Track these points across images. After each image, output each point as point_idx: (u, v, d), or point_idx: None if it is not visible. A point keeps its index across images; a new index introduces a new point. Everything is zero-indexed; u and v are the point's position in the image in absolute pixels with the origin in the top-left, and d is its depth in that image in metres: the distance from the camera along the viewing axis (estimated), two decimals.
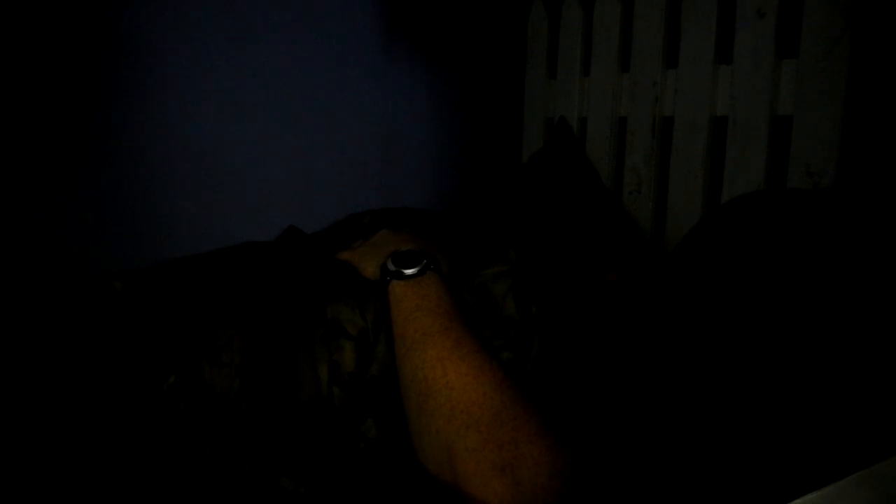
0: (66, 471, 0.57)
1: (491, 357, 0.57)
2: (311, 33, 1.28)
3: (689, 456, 0.54)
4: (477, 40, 1.52)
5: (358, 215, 0.92)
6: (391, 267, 0.66)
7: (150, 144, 1.13)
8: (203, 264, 0.75)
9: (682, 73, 1.21)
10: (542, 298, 0.67)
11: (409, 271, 0.65)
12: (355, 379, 0.62)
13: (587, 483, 0.51)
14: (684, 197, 1.22)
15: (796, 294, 0.58)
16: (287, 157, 1.28)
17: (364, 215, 0.91)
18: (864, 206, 0.67)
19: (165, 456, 0.60)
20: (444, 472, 0.52)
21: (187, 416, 0.60)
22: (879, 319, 0.55)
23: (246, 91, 1.21)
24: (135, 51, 1.10)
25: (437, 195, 1.51)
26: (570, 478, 0.50)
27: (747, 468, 0.53)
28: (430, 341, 0.58)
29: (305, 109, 1.29)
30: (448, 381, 0.55)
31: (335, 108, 1.33)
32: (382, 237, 0.76)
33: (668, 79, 1.24)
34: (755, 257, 0.63)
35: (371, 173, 1.41)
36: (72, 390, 0.61)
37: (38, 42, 1.01)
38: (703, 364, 0.57)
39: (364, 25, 1.35)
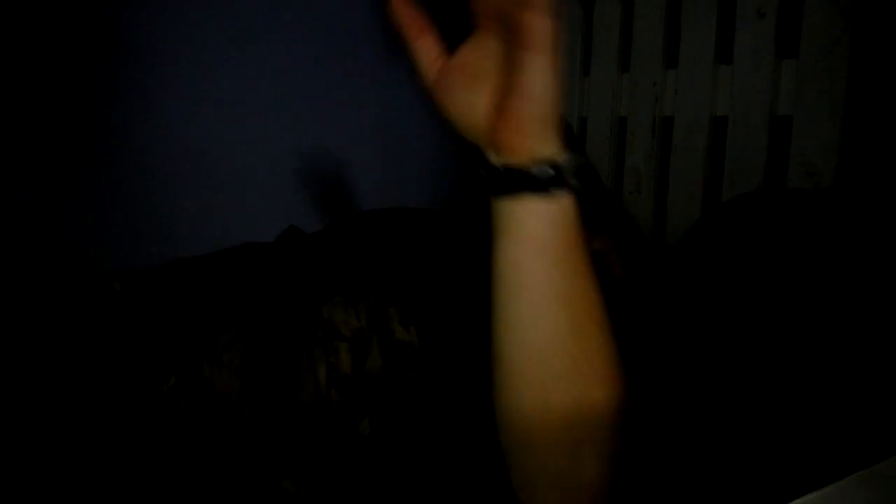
0: (66, 473, 0.57)
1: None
2: (311, 33, 1.27)
3: (688, 455, 0.54)
4: None
5: (358, 216, 0.92)
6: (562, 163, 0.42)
7: (150, 144, 1.13)
8: (202, 265, 0.75)
9: (682, 73, 1.21)
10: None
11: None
12: (351, 380, 0.62)
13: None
14: (684, 197, 1.22)
15: (796, 294, 0.58)
16: (287, 157, 1.28)
17: (365, 216, 0.92)
18: (864, 206, 0.67)
19: (166, 458, 0.60)
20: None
21: (188, 417, 0.60)
22: (879, 319, 0.55)
23: (246, 91, 1.21)
24: (135, 51, 1.10)
25: (437, 195, 1.50)
26: None
27: (747, 468, 0.53)
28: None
29: (305, 109, 1.29)
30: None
31: (335, 108, 1.33)
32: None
33: (668, 79, 1.24)
34: (754, 257, 0.63)
35: (371, 173, 1.41)
36: (72, 392, 0.61)
37: (38, 42, 1.01)
38: (703, 363, 0.57)
39: (364, 25, 1.35)
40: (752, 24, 1.09)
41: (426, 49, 0.45)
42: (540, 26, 0.39)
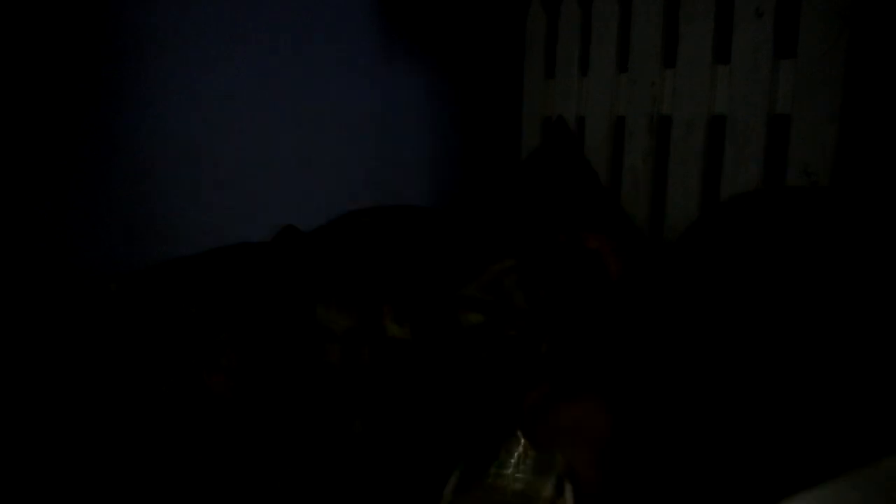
0: (65, 474, 0.57)
1: None
2: (310, 33, 1.28)
3: (687, 455, 0.54)
4: (475, 39, 1.52)
5: (357, 213, 0.93)
6: None
7: (149, 144, 1.13)
8: (198, 266, 0.75)
9: (680, 72, 1.21)
10: (549, 289, 0.68)
11: None
12: (343, 379, 0.63)
13: None
14: (682, 196, 1.22)
15: (795, 293, 0.58)
16: (287, 156, 1.28)
17: (363, 214, 0.92)
18: (861, 205, 0.67)
19: (162, 460, 0.60)
20: None
21: (183, 419, 0.61)
22: (879, 318, 0.56)
23: (246, 91, 1.21)
24: (135, 50, 1.10)
25: (436, 194, 1.51)
26: None
27: (746, 467, 0.53)
28: None
29: (305, 109, 1.29)
30: None
31: (335, 107, 1.33)
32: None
33: (667, 78, 1.24)
34: (754, 256, 0.64)
35: (370, 173, 1.41)
36: (68, 393, 0.61)
37: (38, 42, 1.01)
38: (701, 363, 0.57)
39: (363, 25, 1.35)
40: (751, 24, 1.10)
41: None
42: None
